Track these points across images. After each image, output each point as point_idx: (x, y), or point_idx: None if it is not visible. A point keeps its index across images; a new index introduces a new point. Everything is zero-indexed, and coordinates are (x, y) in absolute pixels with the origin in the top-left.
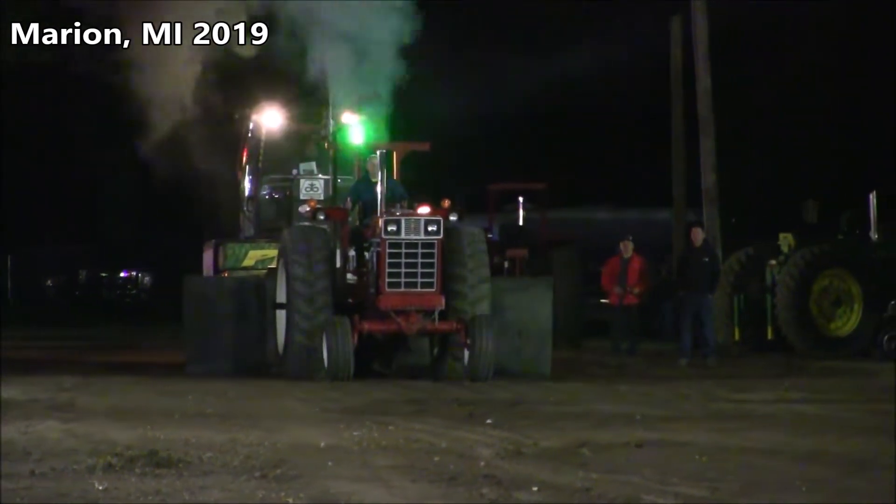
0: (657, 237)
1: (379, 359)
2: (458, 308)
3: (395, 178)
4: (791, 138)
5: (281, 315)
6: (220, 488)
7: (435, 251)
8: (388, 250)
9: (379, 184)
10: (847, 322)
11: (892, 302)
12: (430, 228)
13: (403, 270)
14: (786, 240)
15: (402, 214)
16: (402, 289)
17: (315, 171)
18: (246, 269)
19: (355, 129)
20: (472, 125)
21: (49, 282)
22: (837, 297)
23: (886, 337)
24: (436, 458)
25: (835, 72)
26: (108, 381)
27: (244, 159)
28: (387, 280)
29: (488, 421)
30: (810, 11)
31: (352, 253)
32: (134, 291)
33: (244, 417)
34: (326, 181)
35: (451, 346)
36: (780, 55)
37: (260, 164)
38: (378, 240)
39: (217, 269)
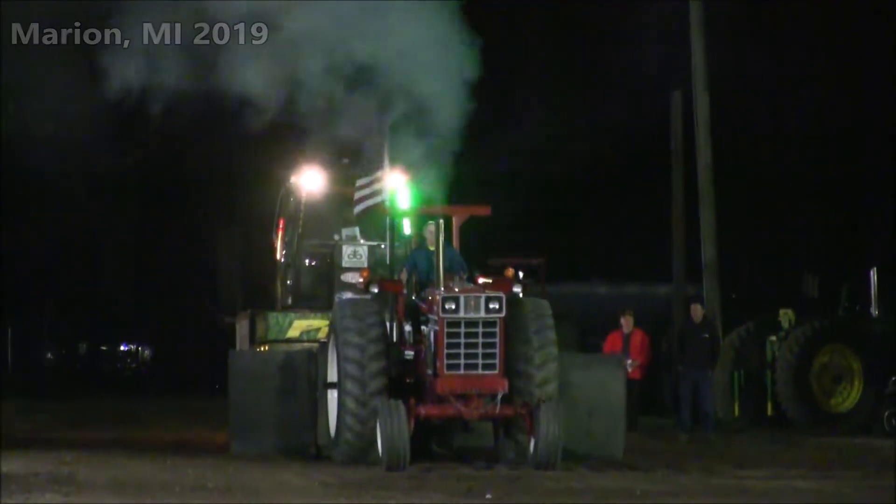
0: (657, 312)
1: (437, 440)
2: (522, 390)
3: (453, 245)
4: (790, 212)
5: (333, 395)
6: None
7: (497, 330)
8: (446, 329)
9: (436, 253)
10: (847, 398)
11: (893, 378)
12: (491, 306)
13: (463, 351)
14: (786, 316)
15: (460, 291)
16: (462, 371)
17: (358, 237)
18: (290, 340)
19: (407, 191)
20: (473, 192)
21: (49, 354)
22: (838, 372)
23: (887, 413)
24: None
25: (834, 146)
26: (108, 455)
27: (281, 223)
28: (445, 362)
29: (488, 496)
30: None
31: (408, 328)
32: (133, 364)
33: (244, 491)
34: (370, 247)
35: (515, 431)
36: (780, 129)
37: (300, 229)
38: (435, 317)
39: (253, 341)
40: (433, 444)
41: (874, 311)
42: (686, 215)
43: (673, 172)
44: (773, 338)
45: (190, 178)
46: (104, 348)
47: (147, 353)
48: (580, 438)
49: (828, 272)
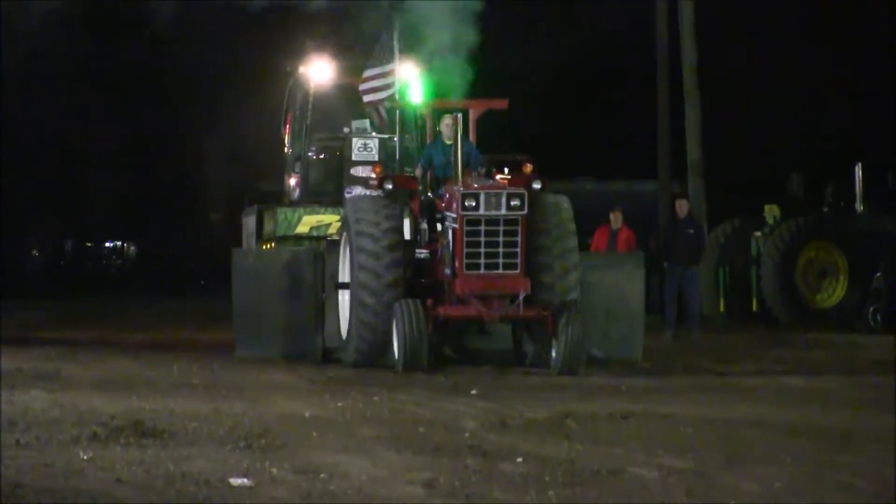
0: (642, 208)
1: (450, 342)
2: (543, 292)
3: (470, 140)
4: (776, 111)
5: (344, 296)
6: (204, 458)
7: (519, 228)
8: (465, 228)
9: (454, 147)
10: (832, 294)
11: (878, 274)
12: (512, 203)
13: (483, 250)
14: (771, 212)
15: (480, 187)
16: (483, 271)
17: (368, 130)
18: (299, 236)
19: (422, 83)
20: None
21: (35, 252)
22: (823, 268)
23: (871, 309)
24: (420, 430)
25: (820, 45)
26: (92, 352)
27: (289, 116)
28: (465, 261)
29: (473, 392)
30: None
31: (423, 226)
32: (119, 262)
33: (229, 388)
34: (381, 140)
35: (536, 334)
36: (766, 27)
37: (308, 122)
38: (455, 215)
39: (260, 238)
40: (446, 347)
41: (859, 208)
42: (672, 115)
43: (658, 73)
44: (758, 234)
45: (177, 77)
46: (89, 245)
47: (133, 249)
48: (598, 340)
49: (813, 170)
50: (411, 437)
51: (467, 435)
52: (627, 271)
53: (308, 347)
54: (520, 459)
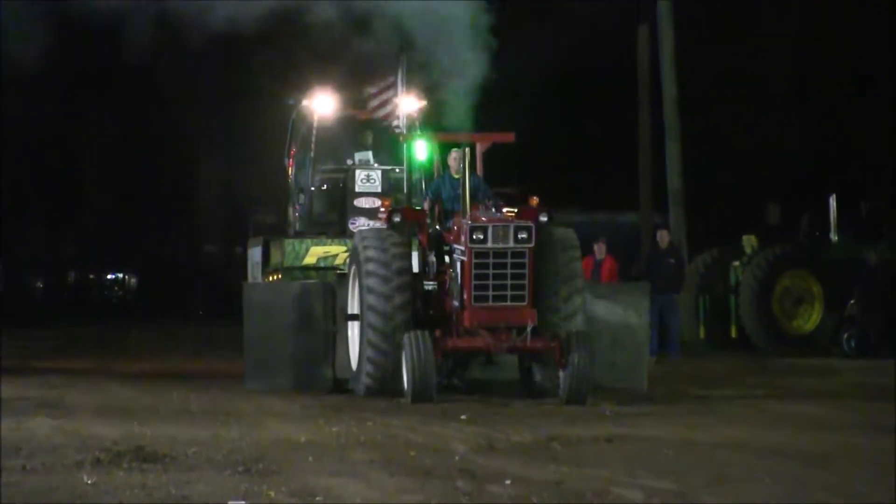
0: (625, 239)
1: (458, 373)
2: (549, 323)
3: (477, 173)
4: (754, 143)
5: (354, 327)
6: (204, 482)
7: (526, 261)
8: (473, 260)
9: (462, 181)
10: (808, 320)
11: (851, 301)
12: (520, 236)
13: (491, 283)
14: (749, 241)
15: (488, 220)
16: (490, 303)
17: (371, 162)
18: (306, 267)
19: (421, 117)
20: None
21: (39, 283)
22: (799, 296)
23: (846, 335)
24: (412, 453)
25: (797, 77)
26: (95, 380)
27: (293, 147)
28: (473, 293)
29: (462, 417)
30: (773, 20)
31: (431, 258)
32: (120, 293)
33: (226, 414)
34: (384, 172)
35: (544, 365)
36: (743, 62)
37: (312, 154)
38: (463, 248)
39: (266, 269)
40: (454, 378)
41: (833, 237)
42: (653, 146)
43: (640, 106)
44: (737, 263)
45: (173, 108)
46: (92, 277)
47: (133, 281)
48: (603, 370)
49: (789, 201)
50: (403, 461)
51: (457, 458)
52: (634, 301)
53: (318, 379)
54: (508, 482)
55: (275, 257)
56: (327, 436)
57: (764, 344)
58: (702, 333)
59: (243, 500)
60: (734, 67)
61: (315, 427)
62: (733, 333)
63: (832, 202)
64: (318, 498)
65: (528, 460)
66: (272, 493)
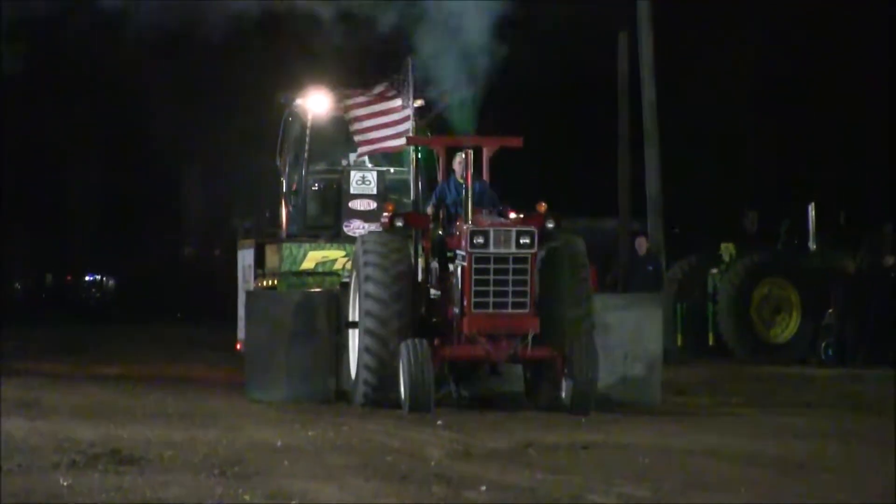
0: (603, 245)
1: (460, 383)
2: (554, 332)
3: (484, 178)
4: (732, 151)
5: (354, 335)
6: (179, 485)
7: (528, 267)
8: (474, 266)
9: (466, 185)
10: (786, 329)
11: (829, 310)
12: (522, 241)
13: (492, 289)
14: (727, 249)
15: (490, 224)
16: (491, 310)
17: (367, 162)
18: (305, 272)
19: (427, 121)
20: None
21: (17, 285)
22: (777, 304)
23: (824, 344)
24: (388, 458)
25: (774, 85)
26: (72, 382)
27: (285, 148)
28: (473, 300)
29: (438, 422)
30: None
31: (434, 264)
32: (98, 294)
33: (203, 416)
34: (380, 174)
35: (548, 375)
36: (722, 68)
37: (305, 154)
38: (463, 253)
39: (259, 273)
40: (460, 388)
41: (812, 246)
42: (631, 153)
43: (619, 112)
44: (715, 270)
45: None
46: (69, 278)
47: (111, 283)
48: (615, 383)
49: (767, 209)
50: (379, 466)
51: (433, 464)
52: (646, 312)
53: (321, 389)
54: (483, 488)
55: (271, 261)
56: (304, 440)
57: (741, 352)
58: (679, 341)
59: (219, 503)
60: (713, 74)
61: (291, 431)
62: (711, 341)
63: (811, 211)
64: (293, 501)
65: (503, 466)
66: (248, 497)
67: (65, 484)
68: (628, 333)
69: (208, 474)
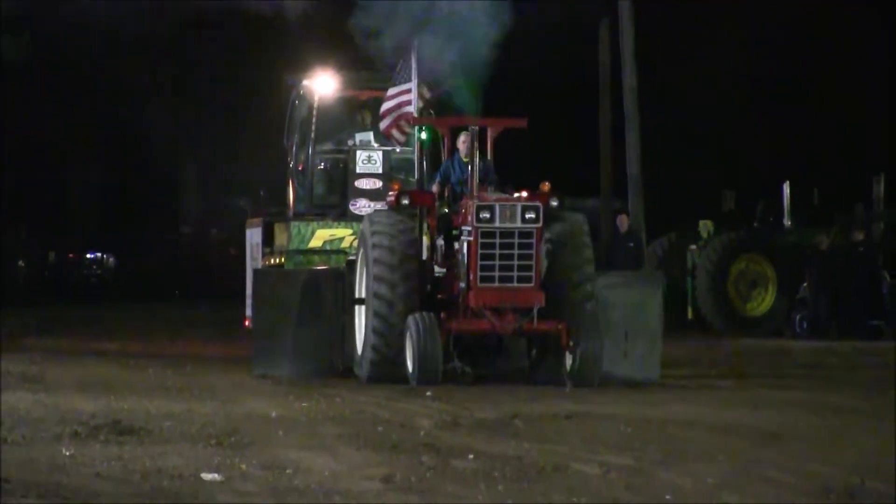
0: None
1: (465, 360)
2: (558, 305)
3: (488, 158)
4: (711, 131)
5: (361, 312)
6: (178, 455)
7: (534, 241)
8: (480, 240)
9: (471, 164)
10: (762, 303)
11: (804, 285)
12: (528, 216)
13: (498, 263)
14: (705, 226)
15: (496, 199)
16: (497, 283)
17: (372, 142)
18: (311, 251)
19: (432, 103)
20: None
21: (21, 262)
22: (753, 279)
23: (798, 317)
24: (379, 428)
25: (753, 69)
26: (75, 357)
27: (292, 129)
28: (479, 274)
29: (428, 394)
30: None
31: (440, 242)
32: (99, 272)
33: (201, 389)
34: (385, 153)
35: (553, 349)
36: (700, 52)
37: (312, 135)
38: (469, 228)
39: (266, 251)
40: (463, 364)
41: (787, 223)
42: (613, 133)
43: (600, 95)
44: (694, 247)
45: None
46: (71, 256)
47: (111, 260)
48: (616, 360)
49: (744, 187)
50: (370, 436)
51: (422, 434)
52: (647, 289)
53: (327, 367)
54: (471, 456)
55: (279, 239)
56: (297, 411)
57: (719, 325)
58: None
59: (216, 472)
60: (692, 58)
61: (285, 403)
62: (690, 315)
63: (786, 189)
64: (287, 470)
65: (490, 436)
66: (244, 466)
67: (67, 454)
68: (629, 311)
69: (205, 444)
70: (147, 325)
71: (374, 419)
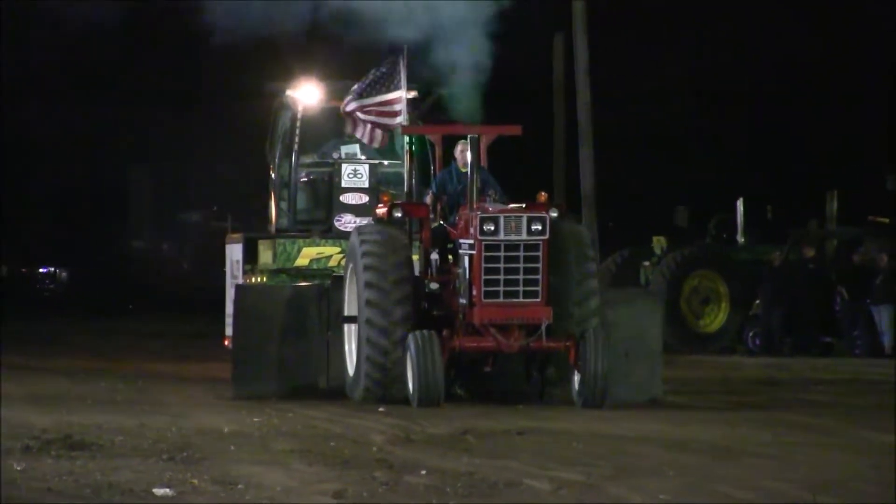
0: None
1: (461, 380)
2: (564, 321)
3: (483, 167)
4: (665, 147)
5: (351, 330)
6: (130, 470)
7: (540, 254)
8: (484, 254)
9: (470, 173)
10: (715, 319)
11: (756, 301)
12: (534, 227)
13: (503, 277)
14: (658, 242)
15: (499, 211)
16: (501, 299)
17: (358, 155)
18: (298, 270)
19: (417, 111)
20: None
21: None
22: (706, 296)
23: (751, 333)
24: (331, 444)
25: (705, 84)
26: (26, 371)
27: (274, 140)
28: (483, 289)
29: (381, 409)
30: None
31: (434, 256)
32: (52, 286)
33: (152, 404)
34: (371, 167)
35: (556, 368)
36: (655, 68)
37: (296, 147)
38: (472, 241)
39: (250, 269)
40: (456, 386)
41: (740, 239)
42: (567, 149)
43: (555, 110)
44: (647, 263)
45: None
46: (24, 270)
47: (64, 275)
48: (617, 380)
49: (698, 204)
50: (322, 451)
51: (375, 449)
52: (646, 308)
53: (309, 386)
54: (423, 472)
55: (264, 257)
56: (249, 426)
57: (672, 341)
58: None
59: (168, 487)
60: (646, 72)
61: (237, 418)
62: None
63: (739, 206)
64: (239, 486)
65: (443, 451)
66: (195, 481)
67: (18, 469)
68: (628, 330)
69: (157, 459)
70: (99, 340)
71: (327, 434)
